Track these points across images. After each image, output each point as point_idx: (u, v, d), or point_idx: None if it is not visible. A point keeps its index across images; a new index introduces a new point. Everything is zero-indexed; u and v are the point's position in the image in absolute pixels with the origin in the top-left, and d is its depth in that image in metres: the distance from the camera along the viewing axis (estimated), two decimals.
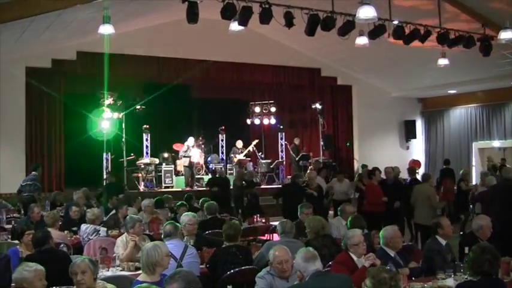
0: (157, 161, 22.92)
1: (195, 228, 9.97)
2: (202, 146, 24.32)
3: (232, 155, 24.74)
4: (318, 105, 25.29)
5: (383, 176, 16.83)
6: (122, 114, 22.08)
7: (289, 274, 6.94)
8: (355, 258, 7.58)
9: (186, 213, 10.51)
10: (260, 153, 25.79)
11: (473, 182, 21.45)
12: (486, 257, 6.09)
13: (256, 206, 18.00)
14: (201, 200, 15.22)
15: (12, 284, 6.68)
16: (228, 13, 12.90)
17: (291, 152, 25.36)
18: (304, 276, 6.29)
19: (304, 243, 9.21)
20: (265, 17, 13.18)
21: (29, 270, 6.25)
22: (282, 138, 26.74)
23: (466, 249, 7.92)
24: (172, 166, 23.10)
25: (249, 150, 24.84)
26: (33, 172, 17.15)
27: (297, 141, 25.88)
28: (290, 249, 7.19)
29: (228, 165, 24.84)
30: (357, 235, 7.79)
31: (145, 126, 23.29)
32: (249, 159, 24.91)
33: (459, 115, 27.61)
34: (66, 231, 11.77)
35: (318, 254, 6.58)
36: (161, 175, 22.56)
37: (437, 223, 8.70)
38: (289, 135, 27.32)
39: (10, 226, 13.01)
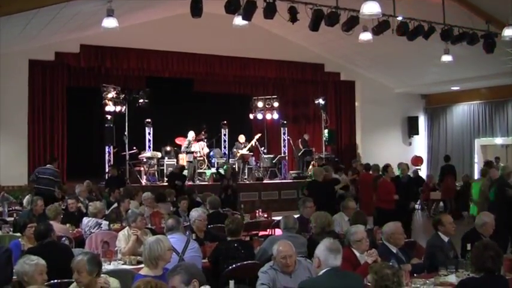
0: (159, 154, 22.92)
1: (205, 225, 9.97)
2: (205, 139, 24.29)
3: (235, 150, 24.69)
4: (321, 101, 25.22)
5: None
6: (124, 107, 22.07)
7: (292, 269, 6.95)
8: (357, 254, 7.59)
9: (196, 209, 10.47)
10: (263, 148, 25.74)
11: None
12: (489, 253, 6.09)
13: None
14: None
15: (14, 277, 6.67)
16: (232, 7, 12.90)
17: (300, 146, 25.28)
18: (322, 265, 6.23)
19: (307, 238, 9.24)
20: (269, 11, 13.19)
21: (30, 264, 6.25)
22: (284, 133, 26.72)
23: (469, 246, 7.90)
24: (175, 160, 23.08)
25: (251, 145, 24.79)
26: (51, 166, 16.89)
27: (306, 136, 25.83)
28: (292, 244, 7.18)
29: (230, 159, 24.82)
30: (360, 231, 7.79)
31: (147, 120, 23.29)
32: (252, 153, 24.88)
33: (462, 112, 27.56)
34: (67, 225, 11.78)
35: None
36: (163, 169, 22.57)
37: (438, 220, 8.70)
38: (292, 130, 27.33)
39: (12, 219, 13.01)
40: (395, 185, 15.26)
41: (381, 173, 16.43)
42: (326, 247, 6.25)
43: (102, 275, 6.48)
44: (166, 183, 19.86)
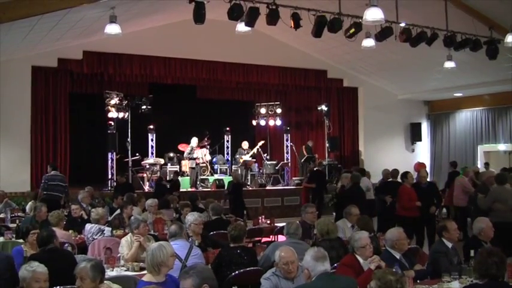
0: (162, 161, 22.94)
1: (201, 229, 9.93)
2: (208, 146, 24.30)
3: (238, 156, 24.74)
4: (324, 107, 25.15)
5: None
6: (127, 114, 22.08)
7: (294, 275, 6.94)
8: (361, 260, 7.57)
9: (192, 212, 10.46)
10: (265, 155, 25.77)
11: None
12: (493, 260, 6.08)
13: None
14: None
15: None
16: (235, 14, 12.89)
17: (304, 153, 25.23)
18: (312, 276, 6.27)
19: (311, 244, 9.24)
20: (272, 18, 13.19)
21: (28, 270, 6.27)
22: (287, 140, 26.76)
23: (472, 252, 7.89)
24: (178, 166, 23.09)
25: (254, 152, 24.80)
26: (56, 172, 16.88)
27: (310, 143, 25.84)
28: (295, 250, 7.18)
29: (233, 166, 24.85)
30: (364, 237, 7.77)
31: (150, 126, 23.31)
32: (255, 160, 24.90)
33: (465, 118, 27.53)
34: (70, 231, 11.77)
35: None
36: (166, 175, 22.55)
37: (443, 226, 8.68)
38: (295, 136, 27.37)
39: (15, 225, 13.00)
40: (416, 192, 14.65)
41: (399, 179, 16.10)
42: (312, 257, 6.38)
43: (105, 282, 6.48)
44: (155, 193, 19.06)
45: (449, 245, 8.47)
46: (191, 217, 9.90)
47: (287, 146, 26.78)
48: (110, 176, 21.75)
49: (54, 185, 16.38)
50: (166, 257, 6.64)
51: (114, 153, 22.04)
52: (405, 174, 15.17)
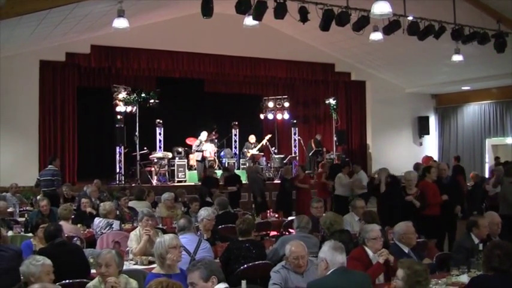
0: (170, 155, 22.90)
1: (212, 225, 9.93)
2: (216, 140, 24.30)
3: (245, 150, 24.72)
4: (331, 101, 25.20)
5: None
6: (135, 108, 22.10)
7: (304, 269, 6.95)
8: (370, 254, 7.56)
9: (206, 208, 10.42)
10: (273, 148, 25.77)
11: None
12: (496, 252, 6.10)
13: None
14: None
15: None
16: (242, 7, 12.89)
17: (313, 146, 25.18)
18: (329, 266, 6.26)
19: (319, 238, 9.27)
20: (280, 11, 13.17)
21: (36, 264, 6.22)
22: (295, 134, 26.73)
23: (481, 246, 7.87)
24: (185, 160, 23.07)
25: (262, 145, 24.79)
26: (52, 166, 16.83)
27: (318, 136, 25.81)
28: (305, 244, 7.19)
29: (241, 159, 24.84)
30: (376, 229, 7.79)
31: (158, 120, 23.31)
32: (262, 154, 24.89)
33: (473, 111, 27.47)
34: (79, 225, 11.79)
35: None
36: (174, 169, 22.53)
37: (474, 222, 8.60)
38: (303, 130, 27.34)
39: (23, 219, 13.04)
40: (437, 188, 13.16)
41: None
42: (330, 247, 6.36)
43: (123, 275, 6.53)
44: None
45: (476, 241, 8.40)
46: (205, 212, 9.87)
47: (295, 140, 26.74)
48: (117, 170, 21.77)
49: (44, 180, 16.32)
50: (164, 248, 6.69)
51: (122, 147, 22.06)
52: (428, 169, 13.71)
